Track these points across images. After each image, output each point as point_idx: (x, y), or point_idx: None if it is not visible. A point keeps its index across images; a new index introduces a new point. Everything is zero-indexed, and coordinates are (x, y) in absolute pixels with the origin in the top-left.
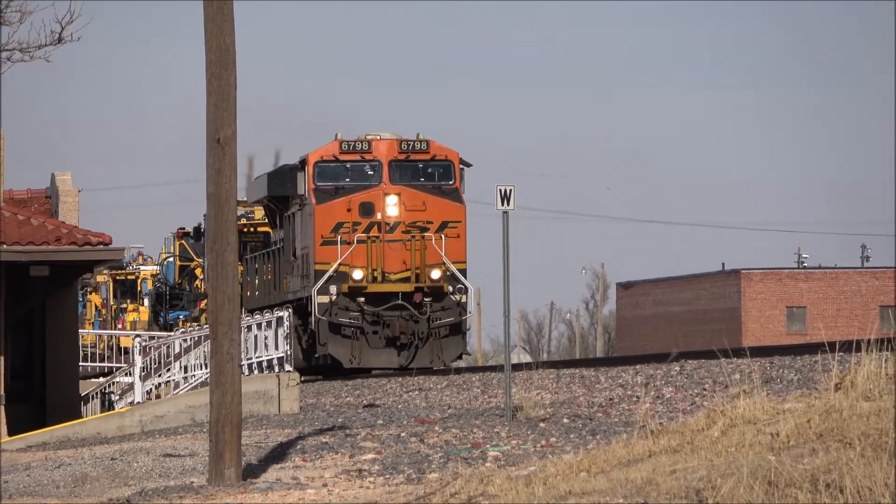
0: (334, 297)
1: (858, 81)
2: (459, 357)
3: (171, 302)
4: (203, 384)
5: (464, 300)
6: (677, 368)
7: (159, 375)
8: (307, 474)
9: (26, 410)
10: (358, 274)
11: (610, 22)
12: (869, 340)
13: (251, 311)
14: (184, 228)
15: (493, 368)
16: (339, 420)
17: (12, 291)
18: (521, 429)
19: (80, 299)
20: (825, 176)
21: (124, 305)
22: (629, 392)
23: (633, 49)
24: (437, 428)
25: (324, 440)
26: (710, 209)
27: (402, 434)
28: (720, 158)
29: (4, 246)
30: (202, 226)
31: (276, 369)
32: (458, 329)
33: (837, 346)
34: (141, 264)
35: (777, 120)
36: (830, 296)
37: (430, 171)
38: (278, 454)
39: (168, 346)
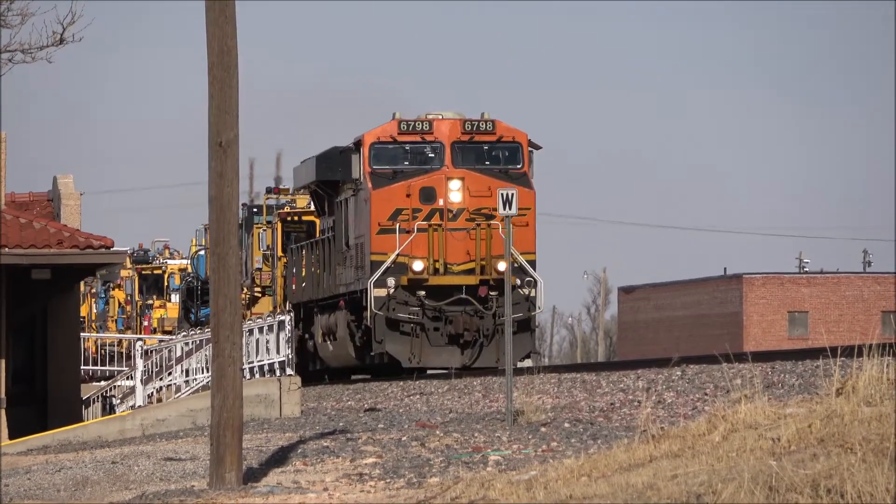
0: (392, 291)
1: (859, 87)
2: (528, 356)
3: (202, 298)
4: (204, 388)
5: (533, 294)
6: (678, 373)
7: (161, 379)
8: (308, 478)
9: (27, 413)
10: (418, 265)
11: (611, 17)
12: (870, 346)
13: (297, 305)
14: None
15: (493, 373)
16: (341, 424)
17: (14, 295)
18: (522, 433)
19: (103, 296)
20: (827, 181)
21: (150, 301)
22: (630, 397)
23: (632, 49)
24: (438, 432)
25: (325, 444)
26: (712, 214)
27: (404, 438)
28: (722, 163)
29: (6, 249)
30: (241, 215)
31: (278, 373)
32: (527, 326)
33: (839, 351)
34: (168, 258)
35: (780, 124)
36: (832, 301)
37: (495, 154)
38: (279, 458)
39: (170, 350)
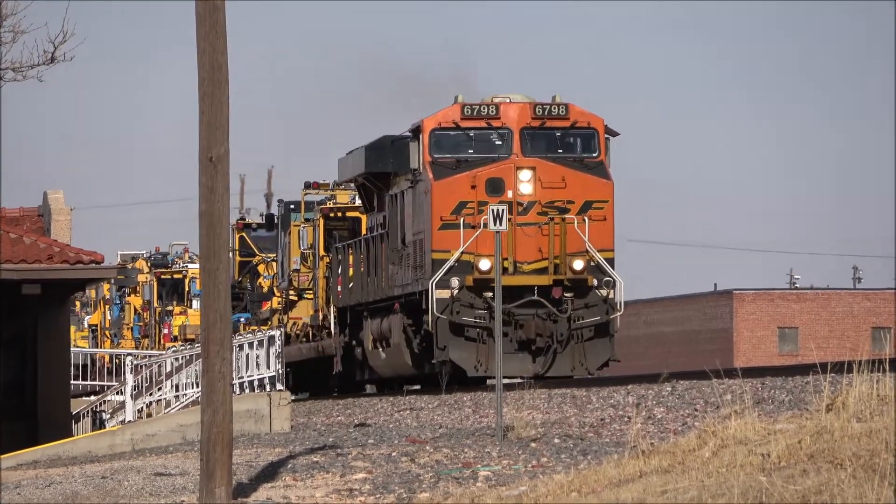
0: (456, 292)
1: (852, 103)
2: (606, 364)
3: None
4: (194, 403)
5: (611, 296)
6: (668, 389)
7: (151, 394)
8: (298, 493)
9: (17, 428)
10: (485, 264)
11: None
12: (861, 362)
13: (343, 309)
14: (243, 219)
15: (483, 388)
16: (330, 439)
17: (5, 309)
18: (512, 449)
19: (118, 302)
20: (818, 197)
21: (170, 308)
22: (620, 412)
23: (620, 65)
24: (428, 447)
25: (315, 459)
26: (702, 229)
27: (394, 454)
28: (712, 178)
29: None
30: (277, 212)
31: (268, 388)
32: (605, 330)
33: (829, 367)
34: (188, 262)
35: (772, 139)
36: (822, 317)
37: (569, 141)
38: (269, 473)
39: (160, 365)
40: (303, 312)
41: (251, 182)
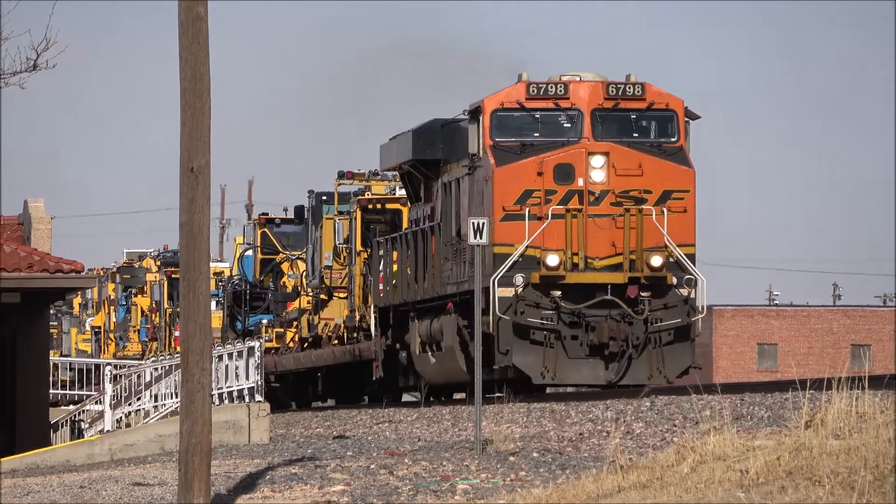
0: (521, 290)
1: (834, 120)
2: (686, 372)
3: (251, 304)
4: (173, 413)
5: (693, 295)
6: (647, 404)
7: (129, 404)
8: None
9: None
10: (553, 259)
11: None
12: (839, 379)
13: (384, 310)
14: (266, 214)
15: (463, 402)
16: (309, 451)
17: None
18: (490, 462)
19: (124, 303)
20: (798, 214)
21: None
22: (599, 427)
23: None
24: (406, 460)
25: (293, 471)
26: None
27: (372, 466)
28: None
29: None
30: (307, 204)
31: (247, 399)
32: (686, 334)
33: (808, 384)
34: None
35: (750, 156)
36: (802, 333)
37: (645, 124)
38: (247, 484)
39: (139, 375)
40: (335, 312)
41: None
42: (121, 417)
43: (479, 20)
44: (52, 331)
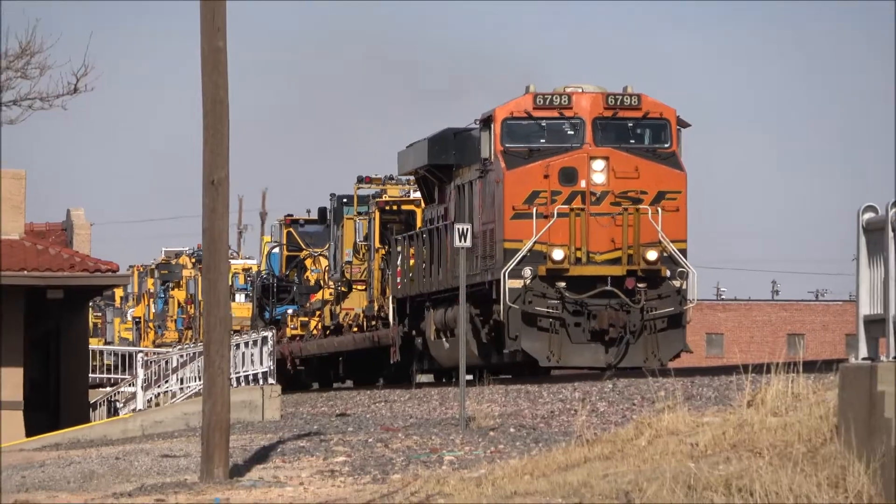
0: (528, 282)
1: (788, 119)
2: (677, 355)
3: (278, 295)
4: (197, 394)
5: (684, 287)
6: (610, 386)
7: (159, 386)
8: (286, 474)
9: (42, 416)
10: (558, 254)
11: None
12: (777, 364)
13: (402, 301)
14: (291, 215)
15: (449, 384)
16: (315, 427)
17: (32, 312)
18: (473, 437)
19: (162, 296)
20: (741, 219)
21: None
22: (568, 406)
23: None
24: (400, 435)
25: (301, 444)
26: None
27: (370, 440)
28: None
29: (25, 272)
30: (329, 206)
31: (261, 382)
32: (678, 321)
33: (750, 369)
34: (231, 258)
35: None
36: (745, 325)
37: (641, 132)
38: (261, 456)
39: (167, 361)
40: (355, 303)
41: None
42: (151, 398)
43: (482, 27)
44: (96, 320)
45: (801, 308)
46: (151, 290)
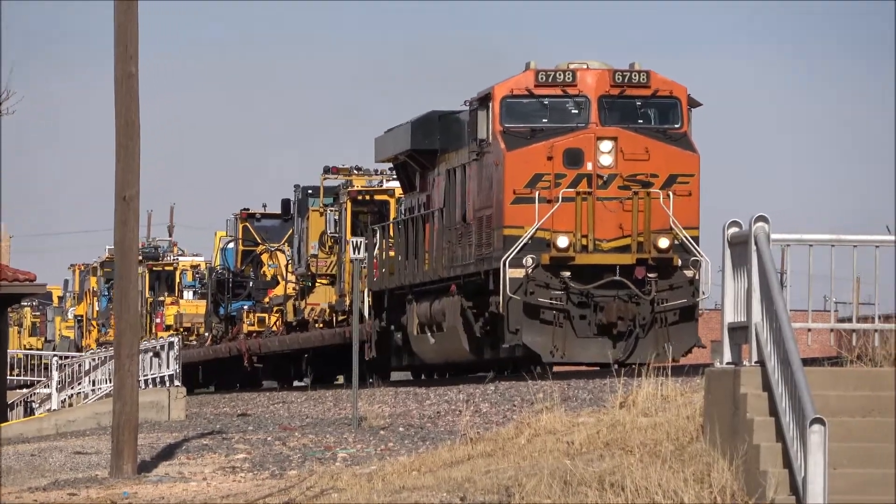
0: (531, 271)
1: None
2: (690, 351)
3: (233, 291)
4: (107, 395)
5: (697, 277)
6: (492, 388)
7: (72, 388)
8: (190, 470)
9: None
10: (563, 241)
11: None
12: (648, 367)
13: (378, 293)
14: (248, 209)
15: (342, 386)
16: (217, 426)
17: None
18: (365, 435)
19: (106, 293)
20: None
21: (161, 298)
22: (453, 406)
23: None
24: (297, 433)
25: (205, 442)
26: None
27: (269, 438)
28: None
29: None
30: (293, 197)
31: (168, 384)
32: (691, 314)
33: (622, 372)
34: (179, 255)
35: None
36: None
37: (649, 111)
38: (167, 453)
39: (80, 364)
40: (321, 298)
41: (157, 216)
42: (65, 399)
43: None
44: (35, 319)
45: None
46: (94, 289)
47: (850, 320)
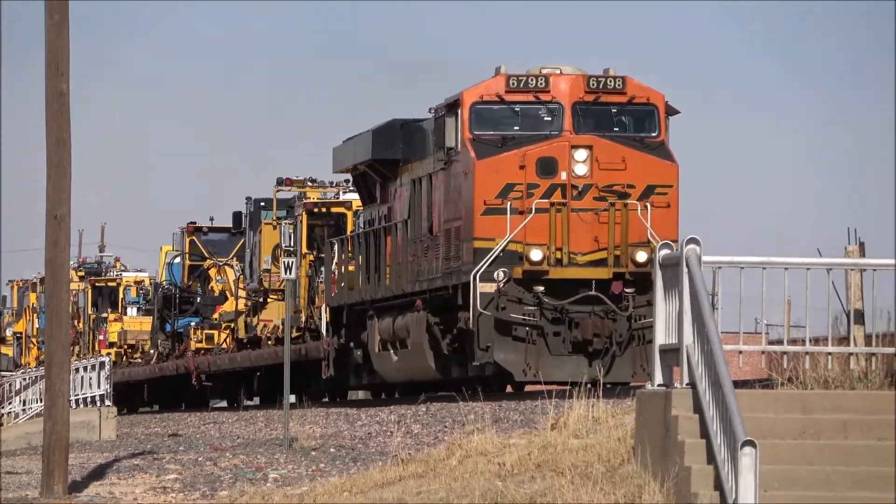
0: (502, 285)
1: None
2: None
3: (180, 307)
4: (38, 415)
5: None
6: (424, 409)
7: (2, 407)
8: (121, 490)
9: None
10: (537, 254)
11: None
12: (579, 388)
13: (337, 309)
14: (194, 223)
15: (273, 406)
16: (149, 446)
17: None
18: (296, 456)
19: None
20: None
21: (104, 315)
22: (384, 427)
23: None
24: (228, 454)
25: (135, 462)
26: None
27: (200, 458)
28: None
29: None
30: (245, 210)
31: (98, 404)
32: None
33: (554, 394)
34: (122, 270)
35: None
36: None
37: (625, 119)
38: (98, 473)
39: (10, 384)
40: (274, 314)
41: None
42: None
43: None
44: None
45: None
46: (34, 305)
47: (781, 343)
